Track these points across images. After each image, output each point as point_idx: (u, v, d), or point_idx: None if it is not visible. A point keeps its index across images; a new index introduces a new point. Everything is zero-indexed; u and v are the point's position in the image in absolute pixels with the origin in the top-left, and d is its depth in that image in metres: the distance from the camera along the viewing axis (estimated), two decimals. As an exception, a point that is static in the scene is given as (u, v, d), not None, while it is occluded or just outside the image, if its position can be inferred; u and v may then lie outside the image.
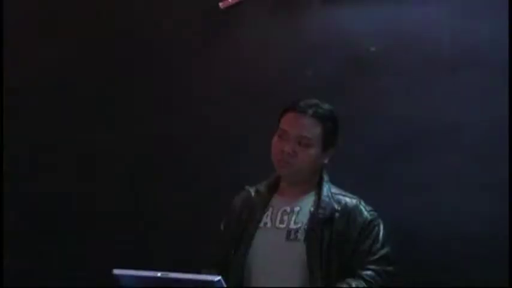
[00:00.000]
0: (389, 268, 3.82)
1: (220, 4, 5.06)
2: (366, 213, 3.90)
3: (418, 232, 4.41)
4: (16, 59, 5.66)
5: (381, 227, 3.89)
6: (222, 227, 4.19)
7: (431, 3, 4.69)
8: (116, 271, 3.52)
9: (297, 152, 3.93)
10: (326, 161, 4.01)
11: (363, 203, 3.94)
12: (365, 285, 3.73)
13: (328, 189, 3.97)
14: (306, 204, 3.96)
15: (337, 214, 3.87)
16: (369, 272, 3.77)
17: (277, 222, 3.97)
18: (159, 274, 3.44)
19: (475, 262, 4.34)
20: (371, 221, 3.88)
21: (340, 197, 3.94)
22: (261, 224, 4.00)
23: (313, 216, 3.88)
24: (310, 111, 3.95)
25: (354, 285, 3.71)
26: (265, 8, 5.06)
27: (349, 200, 3.93)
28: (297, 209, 3.96)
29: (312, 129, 3.95)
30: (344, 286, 3.71)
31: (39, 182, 5.42)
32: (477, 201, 4.39)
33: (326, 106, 4.01)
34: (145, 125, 5.27)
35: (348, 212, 3.88)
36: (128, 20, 5.37)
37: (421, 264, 4.36)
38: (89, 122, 5.39)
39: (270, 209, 4.03)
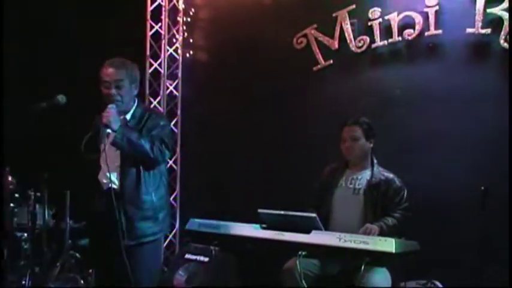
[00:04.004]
0: (409, 213, 4.05)
1: (314, 68, 5.27)
2: (397, 182, 4.10)
3: (421, 195, 4.34)
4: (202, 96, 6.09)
5: (405, 190, 4.09)
6: (316, 186, 4.38)
7: (432, 63, 4.78)
8: (260, 210, 3.80)
9: (352, 145, 4.19)
10: (371, 145, 4.20)
11: (396, 176, 4.13)
12: (394, 220, 3.97)
13: (377, 167, 4.19)
14: (364, 175, 4.18)
15: (381, 182, 4.10)
16: (397, 214, 4.01)
17: (348, 184, 4.22)
18: (282, 212, 3.73)
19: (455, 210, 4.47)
20: (400, 187, 4.09)
21: (384, 172, 4.16)
22: (339, 184, 4.24)
23: (368, 182, 4.12)
24: (351, 122, 4.23)
25: (389, 219, 3.96)
26: (338, 69, 5.21)
27: (388, 174, 4.14)
28: (359, 177, 4.19)
29: (356, 130, 4.18)
30: (384, 220, 3.95)
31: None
32: (458, 178, 4.51)
33: (362, 118, 4.24)
34: (273, 137, 5.50)
35: (388, 181, 4.10)
36: (266, 78, 5.58)
37: (424, 210, 4.34)
38: (244, 137, 5.66)
39: (344, 176, 4.25)
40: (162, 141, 3.63)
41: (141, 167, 3.64)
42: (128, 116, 3.72)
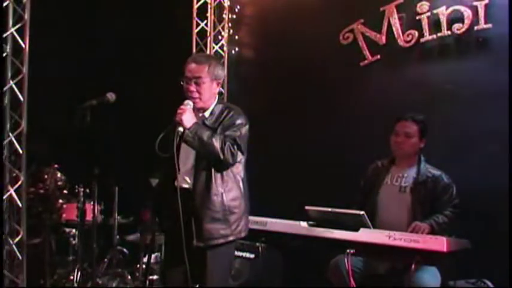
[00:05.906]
0: (458, 210, 3.98)
1: (361, 63, 5.28)
2: (445, 179, 4.05)
3: (470, 193, 4.18)
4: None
5: (454, 187, 4.03)
6: (361, 183, 4.35)
7: (481, 58, 4.72)
8: (307, 207, 3.82)
9: (404, 141, 4.13)
10: (422, 146, 4.14)
11: (443, 173, 4.07)
12: (444, 218, 3.91)
13: (424, 165, 4.13)
14: (410, 173, 4.13)
15: (428, 179, 4.05)
16: (447, 212, 3.96)
17: (394, 181, 4.18)
18: (329, 209, 3.73)
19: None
20: (448, 184, 4.04)
21: (431, 169, 4.10)
22: (384, 182, 4.21)
23: (415, 179, 4.08)
24: (409, 117, 4.16)
25: (440, 217, 3.91)
26: (386, 64, 5.21)
27: (435, 171, 4.09)
28: (405, 175, 4.14)
29: (411, 127, 4.12)
30: (434, 217, 3.89)
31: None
32: (507, 176, 4.29)
33: (419, 115, 4.18)
34: (319, 133, 5.46)
35: (435, 178, 4.05)
36: (312, 73, 5.60)
37: (473, 208, 4.22)
38: (293, 126, 5.66)
39: (390, 174, 4.22)
40: (234, 142, 3.47)
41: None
42: (207, 114, 3.62)
